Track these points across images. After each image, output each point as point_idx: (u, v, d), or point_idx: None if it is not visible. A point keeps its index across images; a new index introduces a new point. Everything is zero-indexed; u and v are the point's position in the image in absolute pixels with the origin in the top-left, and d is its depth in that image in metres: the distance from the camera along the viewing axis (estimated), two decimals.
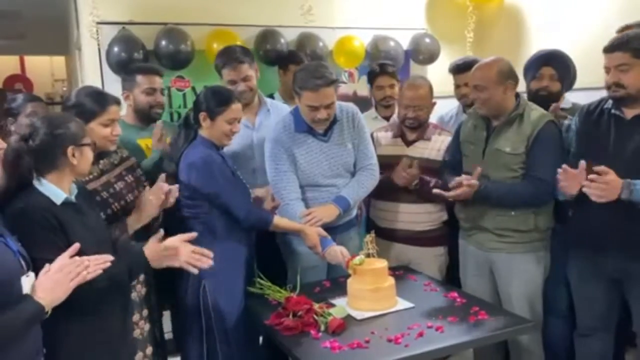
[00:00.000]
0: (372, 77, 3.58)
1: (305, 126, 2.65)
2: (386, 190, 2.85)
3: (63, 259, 1.59)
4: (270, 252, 2.82)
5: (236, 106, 2.49)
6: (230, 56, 2.90)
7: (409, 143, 2.94)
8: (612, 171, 2.14)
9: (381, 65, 3.58)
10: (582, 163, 2.22)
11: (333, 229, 2.60)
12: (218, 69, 2.97)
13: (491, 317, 2.15)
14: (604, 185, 2.14)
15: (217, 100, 2.46)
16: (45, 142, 1.80)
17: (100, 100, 2.23)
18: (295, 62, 3.57)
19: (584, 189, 2.18)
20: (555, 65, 2.76)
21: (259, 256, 2.66)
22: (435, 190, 2.58)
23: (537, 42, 4.05)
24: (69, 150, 1.82)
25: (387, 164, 2.82)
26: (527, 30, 4.36)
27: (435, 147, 2.88)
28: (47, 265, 1.56)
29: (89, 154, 1.91)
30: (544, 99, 2.73)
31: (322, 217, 2.56)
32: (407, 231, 2.90)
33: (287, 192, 2.63)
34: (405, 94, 2.89)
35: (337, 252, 2.45)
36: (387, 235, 2.94)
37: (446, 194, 2.53)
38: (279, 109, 3.04)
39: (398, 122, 3.02)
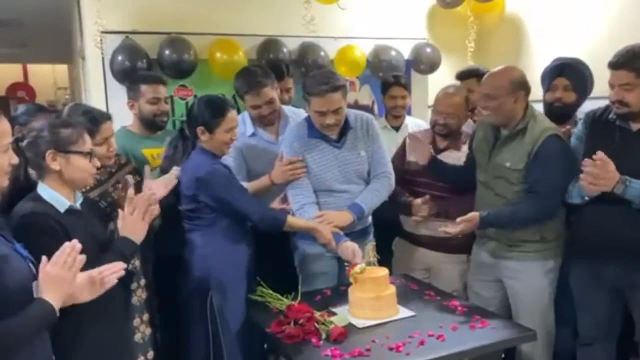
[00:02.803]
0: (386, 87, 3.60)
1: (318, 132, 2.67)
2: (410, 210, 2.88)
3: (57, 254, 1.54)
4: (282, 257, 2.84)
5: (232, 114, 2.48)
6: (251, 81, 2.82)
7: (438, 151, 2.93)
8: (611, 162, 2.14)
9: (395, 76, 3.63)
10: (600, 154, 2.17)
11: (347, 236, 2.60)
12: (239, 93, 2.92)
13: (492, 325, 2.15)
14: (602, 172, 2.14)
15: (212, 112, 2.44)
16: (30, 144, 1.82)
17: (90, 120, 2.21)
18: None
19: (581, 181, 2.21)
20: (569, 76, 2.71)
21: (270, 261, 2.66)
22: (441, 230, 2.58)
23: (538, 52, 4.08)
24: (48, 154, 1.80)
25: (416, 171, 2.86)
26: (528, 40, 4.37)
27: (463, 157, 2.86)
28: (44, 260, 1.51)
29: (78, 162, 1.86)
30: (559, 110, 2.71)
31: (334, 221, 2.57)
32: (430, 237, 2.90)
33: (302, 197, 2.66)
34: (439, 101, 2.88)
35: (349, 248, 2.45)
36: (411, 239, 2.97)
37: (451, 232, 2.51)
38: (297, 115, 3.05)
39: (430, 130, 3.03)
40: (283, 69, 3.35)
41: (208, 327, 2.42)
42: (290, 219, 2.52)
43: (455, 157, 2.89)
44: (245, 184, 2.72)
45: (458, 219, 2.50)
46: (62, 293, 1.52)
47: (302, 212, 2.64)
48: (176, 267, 2.50)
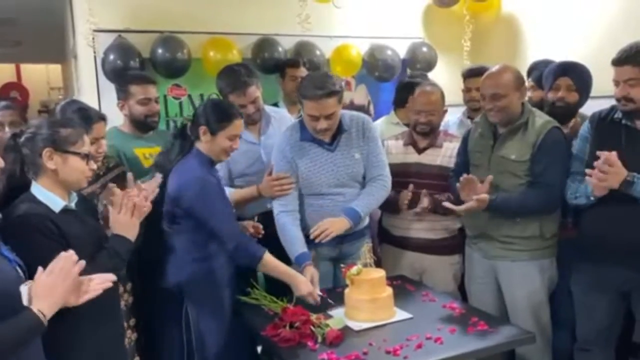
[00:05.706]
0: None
1: (311, 135, 2.61)
2: (395, 206, 2.83)
3: (54, 262, 1.52)
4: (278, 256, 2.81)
5: (238, 122, 2.41)
6: (236, 80, 2.74)
7: (420, 150, 2.91)
8: (617, 158, 2.13)
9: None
10: (604, 154, 2.16)
11: (344, 238, 2.57)
12: (223, 93, 2.83)
13: (491, 328, 2.13)
14: (608, 167, 2.12)
15: (219, 115, 2.37)
16: (28, 140, 1.79)
17: (84, 118, 2.17)
18: (291, 66, 3.55)
19: (590, 180, 2.18)
20: (573, 76, 2.69)
21: None
22: (445, 204, 2.56)
23: (534, 51, 4.07)
24: (45, 152, 1.77)
25: (399, 172, 2.81)
26: (524, 39, 4.37)
27: (447, 154, 2.86)
28: (39, 270, 1.50)
29: (75, 163, 1.83)
30: (561, 110, 2.68)
31: (332, 231, 2.50)
32: (421, 239, 2.87)
33: (281, 202, 2.61)
34: (417, 100, 2.87)
35: (307, 274, 2.37)
36: (401, 244, 2.93)
37: (456, 208, 2.51)
38: (279, 115, 3.03)
39: (409, 130, 3.00)
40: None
41: (183, 337, 2.37)
42: (267, 260, 2.32)
43: (437, 154, 2.88)
44: (231, 190, 2.65)
45: (472, 198, 2.45)
46: (54, 302, 1.49)
47: (278, 218, 2.59)
48: (157, 270, 2.42)
